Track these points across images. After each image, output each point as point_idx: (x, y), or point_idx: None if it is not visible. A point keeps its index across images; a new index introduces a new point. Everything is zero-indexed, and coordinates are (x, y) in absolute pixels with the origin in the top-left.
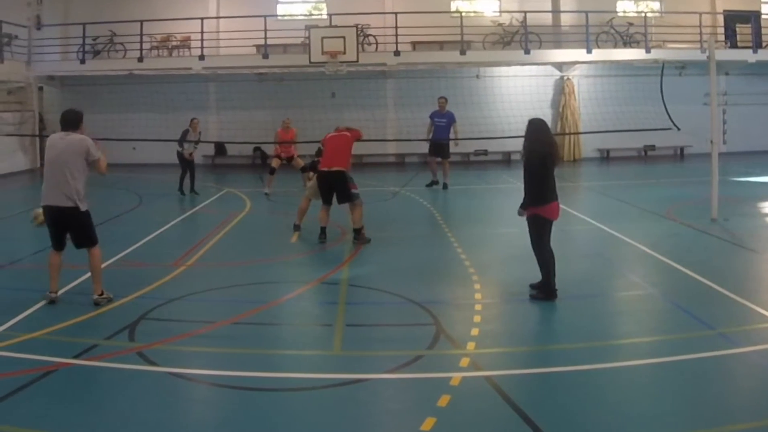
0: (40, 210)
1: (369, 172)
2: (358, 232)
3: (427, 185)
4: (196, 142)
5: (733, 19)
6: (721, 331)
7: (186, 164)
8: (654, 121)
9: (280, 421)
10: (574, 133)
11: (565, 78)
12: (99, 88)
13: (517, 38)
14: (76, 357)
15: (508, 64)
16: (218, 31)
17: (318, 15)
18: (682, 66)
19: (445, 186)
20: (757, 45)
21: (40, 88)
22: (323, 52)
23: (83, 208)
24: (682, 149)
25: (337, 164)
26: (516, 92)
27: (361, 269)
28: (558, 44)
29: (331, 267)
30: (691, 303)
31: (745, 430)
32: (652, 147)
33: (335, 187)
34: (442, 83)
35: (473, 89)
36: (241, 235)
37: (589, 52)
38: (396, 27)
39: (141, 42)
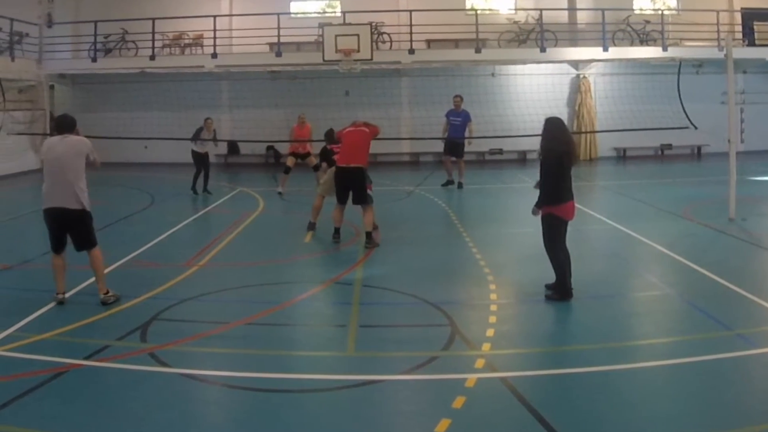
0: None
1: (383, 171)
2: (369, 236)
3: (443, 185)
4: (214, 140)
5: (751, 16)
6: (739, 331)
7: (200, 163)
8: (671, 120)
9: (293, 422)
10: (590, 132)
11: (581, 76)
12: (110, 87)
13: (533, 36)
14: (87, 358)
15: (524, 62)
16: (231, 29)
17: (332, 13)
18: (699, 64)
19: (460, 185)
20: None
21: (51, 87)
22: (337, 50)
23: (88, 208)
24: (699, 148)
25: (355, 161)
26: (531, 91)
27: (375, 269)
28: (574, 42)
29: (345, 267)
30: (709, 303)
31: None
32: (669, 146)
33: (353, 185)
34: (457, 82)
35: (488, 88)
36: (254, 235)
37: (605, 50)
38: (410, 25)
39: (153, 40)
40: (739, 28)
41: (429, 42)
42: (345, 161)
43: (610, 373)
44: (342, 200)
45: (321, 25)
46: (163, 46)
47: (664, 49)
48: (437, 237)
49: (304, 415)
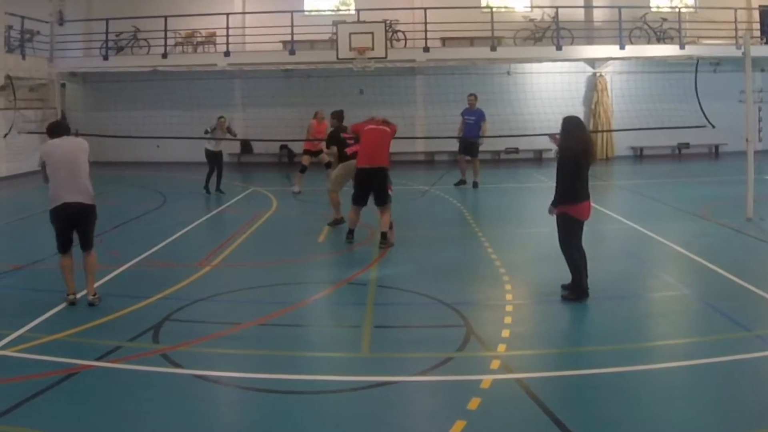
0: None
1: (398, 171)
2: (384, 236)
3: (455, 184)
4: (232, 134)
5: None
6: (757, 332)
7: (214, 162)
8: (688, 119)
9: (306, 424)
10: (606, 131)
11: (598, 74)
12: (122, 85)
13: (549, 34)
14: (99, 359)
15: (540, 60)
16: (244, 27)
17: (346, 10)
18: (716, 62)
19: (475, 185)
20: None
21: (63, 85)
22: (351, 48)
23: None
24: (716, 147)
25: (378, 161)
26: (547, 89)
27: (390, 269)
28: (590, 40)
29: (359, 267)
30: (727, 304)
31: None
32: (687, 145)
33: (376, 186)
34: (472, 80)
35: (504, 86)
36: (267, 235)
37: (622, 48)
38: (425, 23)
39: (165, 38)
40: (757, 25)
41: (444, 40)
42: (367, 162)
43: (627, 375)
44: (361, 202)
45: (335, 23)
46: (176, 44)
47: (682, 47)
48: (452, 237)
49: (318, 417)
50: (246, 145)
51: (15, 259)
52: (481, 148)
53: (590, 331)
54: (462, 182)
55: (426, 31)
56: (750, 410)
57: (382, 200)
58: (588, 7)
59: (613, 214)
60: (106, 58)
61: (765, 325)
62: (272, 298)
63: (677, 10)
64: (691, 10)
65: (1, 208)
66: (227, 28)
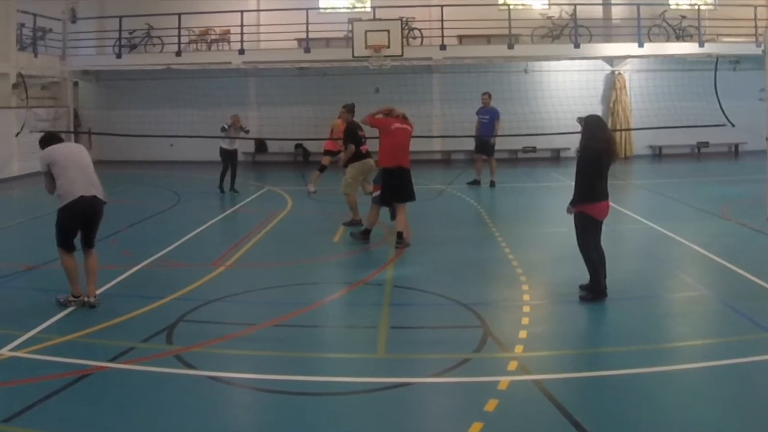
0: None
1: (414, 170)
2: (400, 236)
3: (469, 183)
4: (246, 132)
5: None
6: None
7: (228, 161)
8: (707, 117)
9: (322, 426)
10: (625, 130)
11: (616, 73)
12: (135, 83)
13: (567, 32)
14: (111, 360)
15: (558, 58)
16: (258, 25)
17: (361, 8)
18: (736, 60)
19: (492, 184)
20: None
21: (75, 83)
22: (367, 46)
23: None
24: (736, 146)
25: (406, 161)
26: (565, 87)
27: (406, 270)
28: (609, 38)
29: (375, 267)
30: (746, 305)
31: None
32: (706, 144)
33: (406, 185)
34: (489, 78)
35: (521, 84)
36: (282, 235)
37: (640, 45)
38: (442, 20)
39: (179, 36)
40: None
41: (461, 38)
42: (395, 162)
43: (646, 376)
44: (387, 203)
45: (350, 21)
46: (190, 42)
47: (701, 44)
48: (469, 237)
49: (334, 419)
50: (260, 144)
51: (27, 260)
52: (498, 147)
53: (609, 331)
54: (476, 182)
55: (442, 28)
56: None
57: (411, 196)
58: (606, 4)
59: (631, 213)
60: (119, 56)
61: None
62: (287, 298)
63: (696, 7)
64: (711, 7)
65: (13, 208)
66: (242, 25)
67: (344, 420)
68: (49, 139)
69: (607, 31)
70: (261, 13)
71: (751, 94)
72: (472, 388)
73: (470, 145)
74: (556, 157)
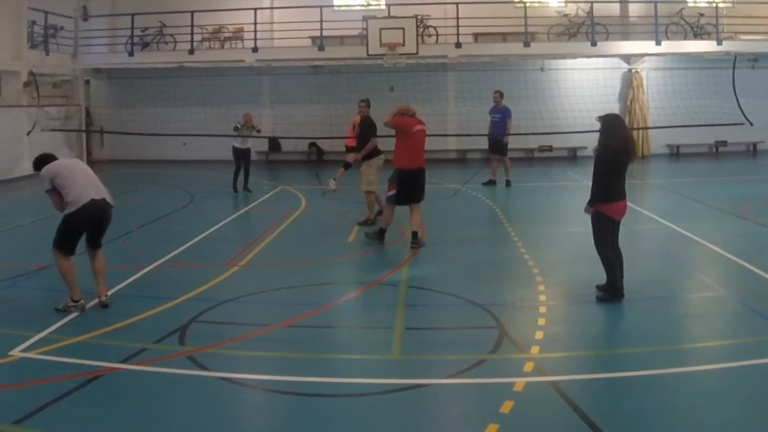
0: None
1: (429, 169)
2: (415, 236)
3: (484, 183)
4: (258, 131)
5: None
6: None
7: (240, 160)
8: (725, 116)
9: (336, 428)
10: (642, 128)
11: (633, 71)
12: (148, 82)
13: (584, 29)
14: (123, 361)
15: (574, 56)
16: (272, 22)
17: (376, 5)
18: (755, 58)
19: (508, 183)
20: None
21: (87, 82)
22: (381, 44)
23: None
24: (755, 145)
25: (422, 162)
26: (582, 86)
27: (421, 270)
28: (626, 36)
29: (390, 268)
30: (765, 305)
31: None
32: (724, 143)
33: (422, 185)
34: (505, 76)
35: (537, 82)
36: (295, 235)
37: (658, 43)
38: (457, 18)
39: (192, 33)
40: None
41: (476, 35)
42: (414, 163)
43: (664, 377)
44: (403, 203)
45: (365, 18)
46: (202, 40)
47: (719, 42)
48: (484, 237)
49: (348, 420)
50: (274, 143)
51: (39, 259)
52: (514, 146)
53: (625, 332)
54: (491, 182)
55: (458, 26)
56: None
57: (421, 198)
58: (623, 1)
59: (649, 213)
60: (131, 54)
61: None
62: (301, 299)
63: (714, 4)
64: (729, 4)
65: (25, 207)
66: (255, 23)
67: (358, 422)
68: (43, 160)
69: (624, 28)
70: (275, 10)
71: None
72: (487, 390)
73: (486, 144)
74: (572, 156)
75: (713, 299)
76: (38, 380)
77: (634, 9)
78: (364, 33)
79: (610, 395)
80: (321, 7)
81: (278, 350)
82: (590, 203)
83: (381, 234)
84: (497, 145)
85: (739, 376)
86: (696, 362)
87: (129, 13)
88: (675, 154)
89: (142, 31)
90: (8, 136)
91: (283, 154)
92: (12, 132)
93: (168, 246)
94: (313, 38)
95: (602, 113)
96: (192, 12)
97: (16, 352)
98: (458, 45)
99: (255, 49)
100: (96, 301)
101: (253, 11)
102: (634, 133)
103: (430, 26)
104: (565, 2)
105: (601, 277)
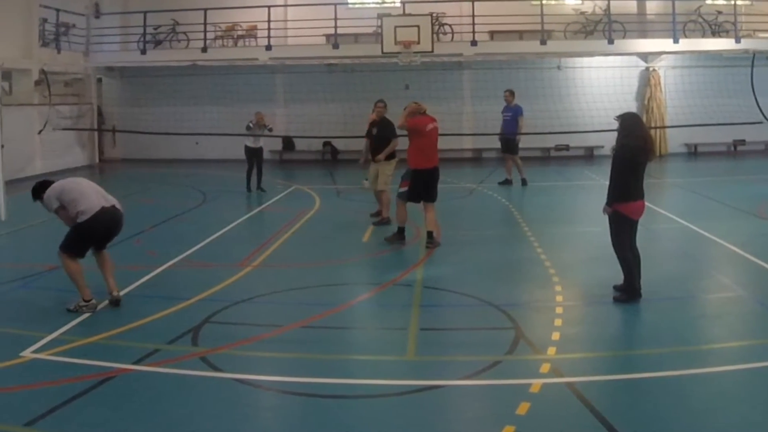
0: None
1: (444, 168)
2: (430, 235)
3: (500, 183)
4: (269, 130)
5: None
6: None
7: (252, 159)
8: (744, 115)
9: (351, 429)
10: (660, 127)
11: (651, 69)
12: (160, 80)
13: (600, 27)
14: (136, 362)
15: (591, 54)
16: (286, 20)
17: (391, 3)
18: None
19: (524, 182)
20: None
21: (99, 80)
22: (396, 42)
23: None
24: None
25: (437, 160)
26: (599, 84)
27: (436, 270)
28: (643, 33)
29: (405, 268)
30: None
31: None
32: (742, 141)
33: (435, 184)
34: (521, 75)
35: (554, 81)
36: (309, 235)
37: (675, 41)
38: (473, 15)
39: (205, 31)
40: None
41: (492, 33)
42: (429, 163)
43: (682, 378)
44: (416, 200)
45: (380, 16)
46: (216, 38)
47: (737, 40)
48: (500, 236)
49: (362, 422)
50: (288, 142)
51: (50, 260)
52: (530, 145)
53: (643, 333)
54: (507, 182)
55: (473, 24)
56: None
57: (435, 197)
58: None
59: (666, 212)
60: (143, 52)
61: None
62: (315, 299)
63: (733, 2)
64: (747, 2)
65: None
66: (269, 21)
67: (373, 423)
68: (42, 185)
69: (641, 26)
70: (288, 8)
71: None
72: (503, 391)
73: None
74: (589, 156)
75: (732, 300)
76: (50, 381)
77: (651, 6)
78: (379, 31)
79: (628, 396)
80: (335, 4)
81: (292, 351)
82: (608, 203)
83: (400, 233)
84: (508, 144)
85: (758, 377)
86: (714, 363)
87: (141, 11)
88: (693, 153)
89: (155, 28)
90: (19, 134)
91: (297, 153)
92: (23, 131)
93: (181, 246)
94: (328, 36)
95: (619, 112)
96: (205, 9)
97: (28, 353)
98: (474, 43)
99: (269, 47)
100: (107, 301)
101: (266, 9)
102: (652, 132)
103: (446, 24)
104: (582, 0)
105: (618, 277)
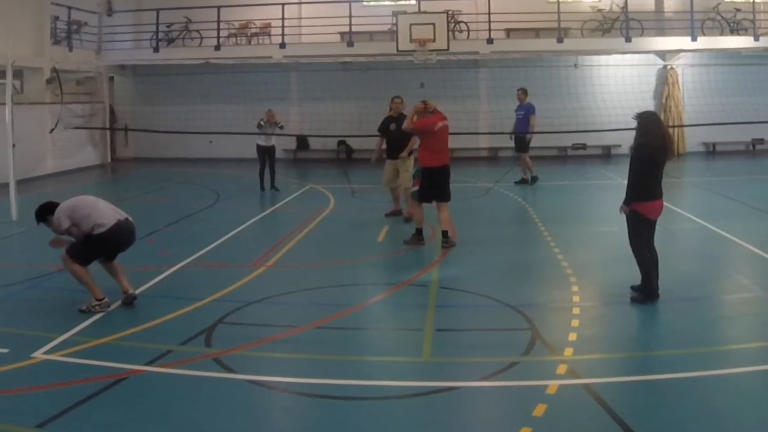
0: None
1: (460, 167)
2: (446, 234)
3: (516, 182)
4: (280, 127)
5: None
6: None
7: (265, 158)
8: (763, 113)
9: (366, 431)
10: (678, 126)
11: (669, 67)
12: (173, 78)
13: (618, 25)
14: (148, 363)
15: (608, 52)
16: (300, 18)
17: (406, 0)
18: None
19: (534, 180)
20: None
21: (111, 78)
22: (411, 40)
23: None
24: None
25: (447, 159)
26: (616, 82)
27: (452, 270)
28: (661, 31)
29: (420, 268)
30: None
31: None
32: (761, 140)
33: (447, 183)
34: (538, 73)
35: (571, 79)
36: (324, 235)
37: (693, 39)
38: (489, 13)
39: (218, 29)
40: None
41: (508, 31)
42: (440, 161)
43: (700, 380)
44: (429, 200)
45: (395, 14)
46: (229, 36)
47: (756, 38)
48: (516, 236)
49: (378, 424)
50: (302, 141)
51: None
52: (546, 144)
53: (661, 334)
54: (524, 181)
55: (489, 21)
56: None
57: (448, 197)
58: None
59: (684, 212)
60: (156, 50)
61: None
62: (329, 300)
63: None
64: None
65: None
66: (283, 18)
67: (388, 425)
68: (47, 207)
69: (659, 24)
70: (303, 5)
71: None
72: (520, 393)
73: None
74: (606, 155)
75: (750, 300)
76: (61, 383)
77: (669, 4)
78: (394, 28)
79: (645, 398)
80: (350, 1)
81: (306, 352)
82: (626, 202)
83: (419, 234)
84: (517, 142)
85: None
86: (733, 364)
87: (154, 8)
88: (711, 152)
89: (168, 26)
90: (31, 133)
91: (312, 152)
92: (34, 130)
93: (194, 246)
94: (342, 34)
95: (637, 110)
96: (218, 7)
97: (39, 354)
98: (490, 41)
99: (282, 45)
100: (119, 301)
101: (280, 6)
102: (670, 130)
103: (461, 21)
104: None
105: (636, 277)
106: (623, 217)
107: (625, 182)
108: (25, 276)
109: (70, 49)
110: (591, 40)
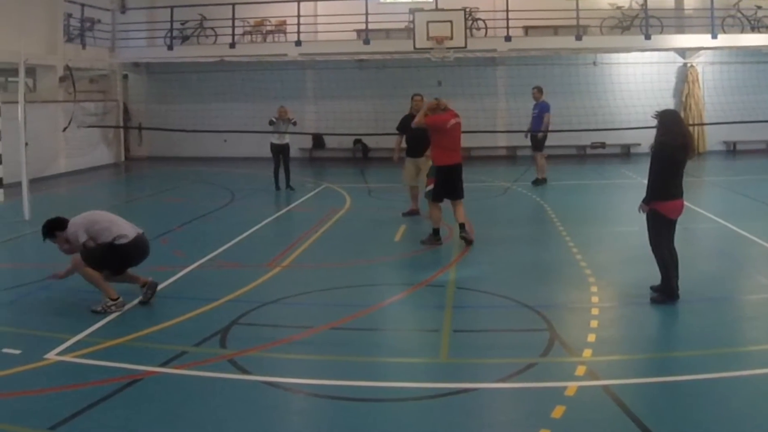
0: None
1: (478, 166)
2: (463, 227)
3: (533, 183)
4: (293, 124)
5: None
6: None
7: (279, 156)
8: None
9: None
10: (698, 124)
11: (689, 65)
12: (187, 76)
13: (637, 22)
14: (163, 365)
15: (628, 50)
16: (316, 15)
17: None
18: None
19: (538, 182)
20: None
21: (125, 76)
22: (429, 38)
23: None
24: None
25: (458, 157)
26: (636, 80)
27: (470, 270)
28: (681, 29)
29: (437, 268)
30: None
31: None
32: None
33: (459, 181)
34: (556, 71)
35: (590, 77)
36: (340, 234)
37: (714, 37)
38: (507, 10)
39: (233, 27)
40: None
41: (526, 29)
42: (453, 159)
43: (720, 381)
44: (441, 198)
45: (412, 11)
46: (244, 33)
47: None
48: (535, 236)
49: (394, 426)
50: (318, 140)
51: None
52: (565, 143)
53: (680, 334)
54: (540, 181)
55: (507, 19)
56: None
57: (461, 194)
58: None
59: (704, 212)
60: (170, 47)
61: None
62: (346, 300)
63: None
64: None
65: (59, 206)
66: (298, 16)
67: (405, 427)
68: (58, 222)
69: (679, 21)
70: (318, 2)
71: None
72: (538, 394)
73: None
74: (626, 153)
75: None
76: (75, 384)
77: (689, 1)
78: (411, 26)
79: (665, 399)
80: None
81: (322, 353)
82: (645, 201)
83: (436, 235)
84: (532, 140)
85: None
86: (753, 365)
87: (168, 6)
88: (732, 151)
89: (182, 24)
90: (43, 132)
91: (328, 150)
92: (47, 128)
93: (208, 246)
94: (358, 31)
95: (657, 109)
96: (233, 4)
97: (52, 356)
98: (508, 38)
99: (298, 43)
100: (134, 302)
101: (296, 3)
102: (690, 129)
103: (479, 19)
104: None
105: (655, 277)
106: (643, 216)
107: (645, 181)
108: (37, 276)
109: (84, 47)
110: (610, 37)
